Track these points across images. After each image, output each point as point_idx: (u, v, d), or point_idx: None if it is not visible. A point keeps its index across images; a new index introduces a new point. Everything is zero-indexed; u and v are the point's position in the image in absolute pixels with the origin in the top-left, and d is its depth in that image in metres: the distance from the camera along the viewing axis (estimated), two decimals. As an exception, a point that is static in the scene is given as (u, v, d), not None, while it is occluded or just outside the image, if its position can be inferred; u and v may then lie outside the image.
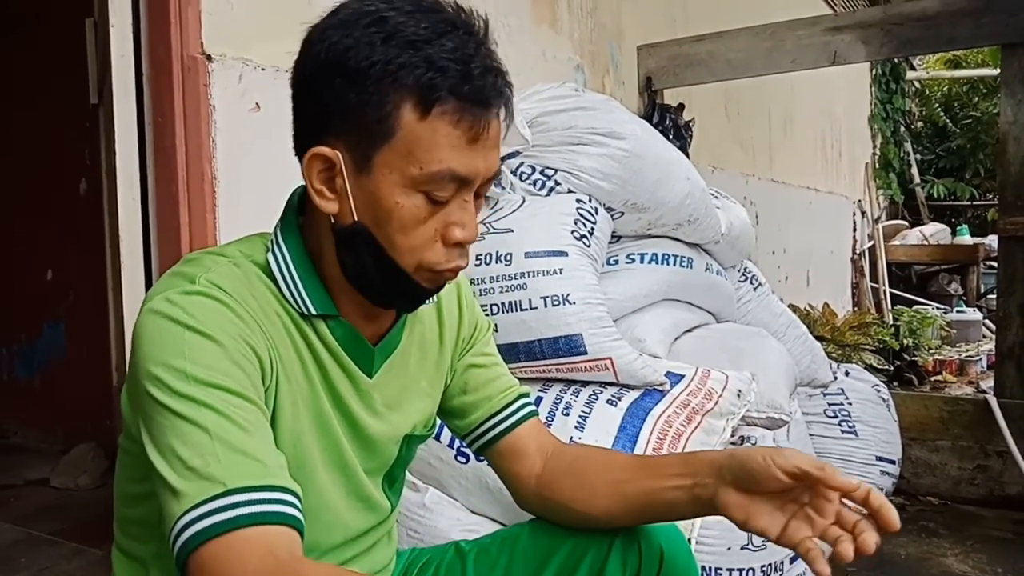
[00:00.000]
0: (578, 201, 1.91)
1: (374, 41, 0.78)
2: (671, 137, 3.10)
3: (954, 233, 7.67)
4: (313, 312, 0.89)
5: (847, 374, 2.74)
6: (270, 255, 0.89)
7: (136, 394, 0.80)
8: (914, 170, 8.12)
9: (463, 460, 1.69)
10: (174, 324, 0.78)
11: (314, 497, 0.91)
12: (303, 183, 0.93)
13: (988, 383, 4.37)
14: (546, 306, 1.76)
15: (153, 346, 0.78)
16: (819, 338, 3.00)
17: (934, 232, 7.42)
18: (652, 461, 1.01)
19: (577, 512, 1.03)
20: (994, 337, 3.66)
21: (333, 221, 0.85)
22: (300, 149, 0.86)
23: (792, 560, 1.74)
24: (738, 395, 1.80)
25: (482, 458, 1.62)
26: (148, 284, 1.88)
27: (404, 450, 1.04)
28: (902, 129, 7.88)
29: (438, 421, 1.12)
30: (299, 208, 0.93)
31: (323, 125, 0.83)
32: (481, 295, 1.77)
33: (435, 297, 1.02)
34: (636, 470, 1.00)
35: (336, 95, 0.80)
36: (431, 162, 0.79)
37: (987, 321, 6.12)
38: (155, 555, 0.90)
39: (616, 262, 2.07)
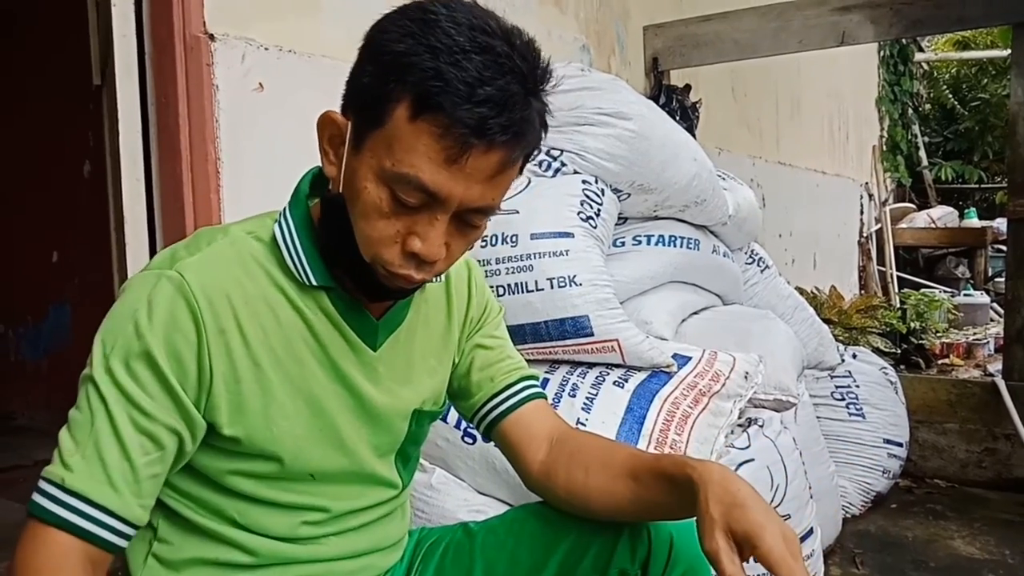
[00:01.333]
0: (584, 182, 1.90)
1: (407, 34, 0.79)
2: (677, 118, 3.07)
3: (962, 216, 7.62)
4: (314, 283, 0.90)
5: (855, 357, 2.74)
6: (277, 227, 0.91)
7: None
8: (922, 152, 8.06)
9: (470, 441, 1.68)
10: (130, 310, 0.83)
11: (314, 471, 0.94)
12: (313, 166, 0.97)
13: (995, 366, 4.36)
14: (552, 287, 1.75)
15: (111, 318, 0.85)
16: (826, 321, 2.98)
17: (942, 215, 7.37)
18: (642, 471, 0.97)
19: (575, 506, 1.03)
20: (1002, 320, 3.64)
21: (329, 186, 0.89)
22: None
23: (800, 541, 1.73)
24: (745, 377, 1.79)
25: (489, 439, 1.64)
26: (153, 265, 1.88)
27: (414, 426, 1.04)
28: (910, 111, 7.80)
29: (447, 400, 1.13)
30: (310, 192, 0.95)
31: (347, 95, 0.86)
32: (487, 276, 1.76)
33: (441, 278, 1.02)
34: (628, 480, 0.98)
35: (360, 70, 0.83)
36: (402, 163, 0.79)
37: (994, 304, 6.09)
38: (161, 512, 0.92)
39: (622, 244, 2.06)
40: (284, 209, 0.93)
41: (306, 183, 0.95)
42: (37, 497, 0.80)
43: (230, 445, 0.88)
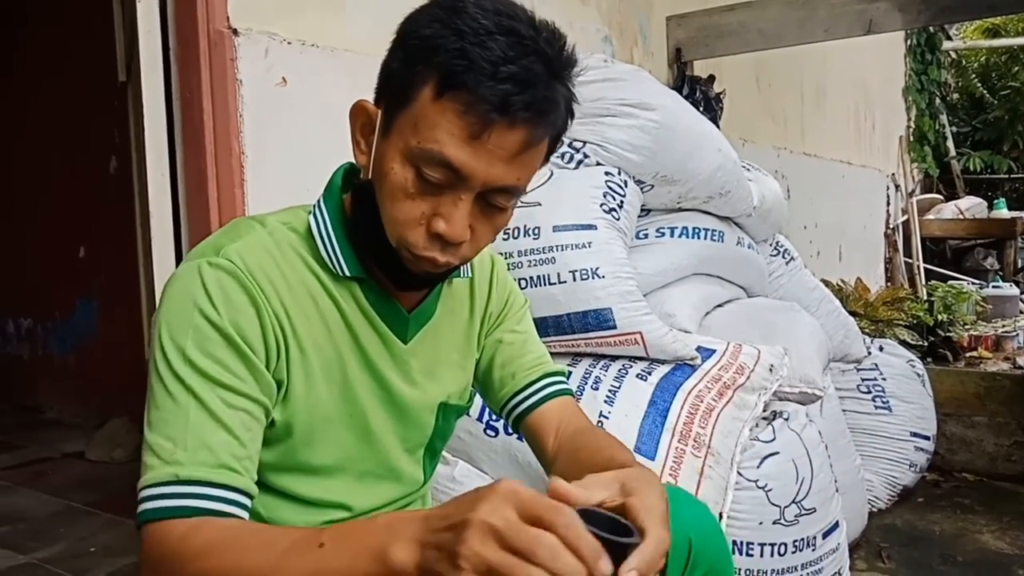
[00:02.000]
0: (607, 174, 1.89)
1: (435, 20, 0.81)
2: (701, 109, 3.05)
3: (990, 207, 7.49)
4: (347, 274, 0.91)
5: (881, 349, 2.70)
6: (311, 218, 0.93)
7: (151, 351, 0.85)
8: (949, 143, 7.93)
9: (492, 434, 1.69)
10: (188, 300, 0.83)
11: (341, 463, 0.95)
12: (345, 162, 0.98)
13: (1025, 359, 4.29)
14: (575, 280, 1.74)
15: (168, 315, 0.84)
16: (852, 313, 2.95)
17: (970, 206, 7.25)
18: (611, 471, 0.83)
19: None
20: (1032, 312, 3.59)
21: (360, 176, 0.90)
22: None
23: (825, 535, 1.72)
24: (770, 370, 1.77)
25: (512, 432, 1.64)
26: (178, 260, 1.89)
27: (441, 420, 1.05)
28: (937, 101, 7.68)
29: (475, 394, 1.13)
30: (343, 186, 0.96)
31: (379, 85, 0.88)
32: (509, 269, 1.75)
33: (467, 271, 1.03)
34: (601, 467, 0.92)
35: (390, 59, 0.86)
36: (427, 140, 0.81)
37: (1024, 296, 5.99)
38: None
39: (646, 236, 2.05)
40: (318, 201, 0.95)
41: (339, 177, 0.96)
42: (148, 505, 0.77)
43: (268, 431, 0.89)
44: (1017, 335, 5.04)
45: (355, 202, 0.91)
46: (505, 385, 1.10)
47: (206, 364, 0.81)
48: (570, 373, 1.76)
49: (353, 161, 0.99)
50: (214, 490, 0.78)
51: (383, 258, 0.89)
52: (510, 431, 1.65)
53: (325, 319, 0.91)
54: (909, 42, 7.15)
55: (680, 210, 2.09)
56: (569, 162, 1.94)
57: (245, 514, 0.80)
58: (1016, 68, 8.51)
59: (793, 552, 1.67)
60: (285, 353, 0.88)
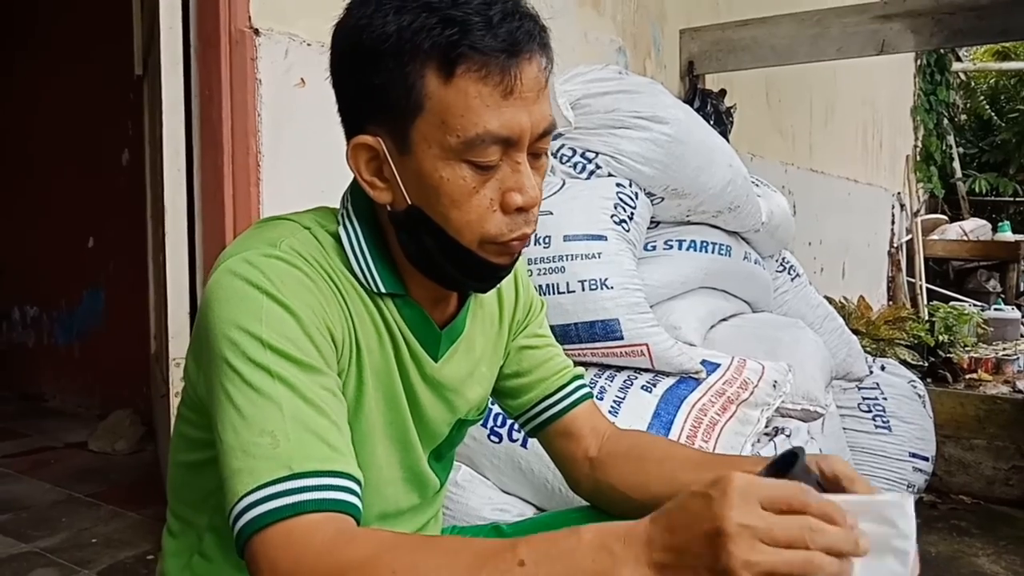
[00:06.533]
0: (618, 185, 1.90)
1: (387, 13, 0.75)
2: (712, 123, 3.06)
3: (995, 229, 7.52)
4: (383, 290, 0.86)
5: (883, 368, 2.71)
6: (341, 229, 0.86)
7: (206, 356, 0.77)
8: (956, 164, 7.95)
9: (496, 440, 1.70)
10: (252, 288, 0.75)
11: (372, 472, 0.89)
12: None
13: (1025, 383, 4.30)
14: (583, 290, 1.76)
15: (230, 309, 0.75)
16: (854, 331, 2.96)
17: (974, 228, 7.27)
18: (713, 459, 0.97)
19: (630, 498, 0.99)
20: (1034, 336, 3.60)
21: (390, 209, 0.83)
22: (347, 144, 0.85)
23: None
24: (774, 386, 1.78)
25: (516, 439, 1.65)
26: (192, 255, 1.91)
27: (455, 432, 1.02)
28: (945, 122, 7.71)
29: (490, 402, 1.10)
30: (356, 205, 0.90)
31: (359, 114, 0.81)
32: (519, 277, 1.77)
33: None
34: (697, 466, 0.95)
35: (361, 80, 0.78)
36: (466, 127, 0.74)
37: (1026, 320, 6.00)
38: (208, 525, 0.89)
39: (654, 248, 2.06)
40: (347, 210, 0.88)
41: (358, 190, 0.89)
42: (260, 508, 0.68)
43: None
44: (1018, 358, 5.05)
45: (407, 236, 0.83)
46: (533, 389, 1.06)
47: (288, 347, 0.74)
48: (575, 382, 1.77)
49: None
50: (333, 479, 0.70)
51: (467, 270, 0.82)
52: (514, 437, 1.67)
53: (376, 326, 0.87)
54: (919, 62, 7.18)
55: (689, 223, 2.10)
56: (581, 172, 1.95)
57: (360, 504, 0.72)
58: (1025, 92, 8.54)
59: (791, 568, 1.68)
60: (349, 352, 0.83)
